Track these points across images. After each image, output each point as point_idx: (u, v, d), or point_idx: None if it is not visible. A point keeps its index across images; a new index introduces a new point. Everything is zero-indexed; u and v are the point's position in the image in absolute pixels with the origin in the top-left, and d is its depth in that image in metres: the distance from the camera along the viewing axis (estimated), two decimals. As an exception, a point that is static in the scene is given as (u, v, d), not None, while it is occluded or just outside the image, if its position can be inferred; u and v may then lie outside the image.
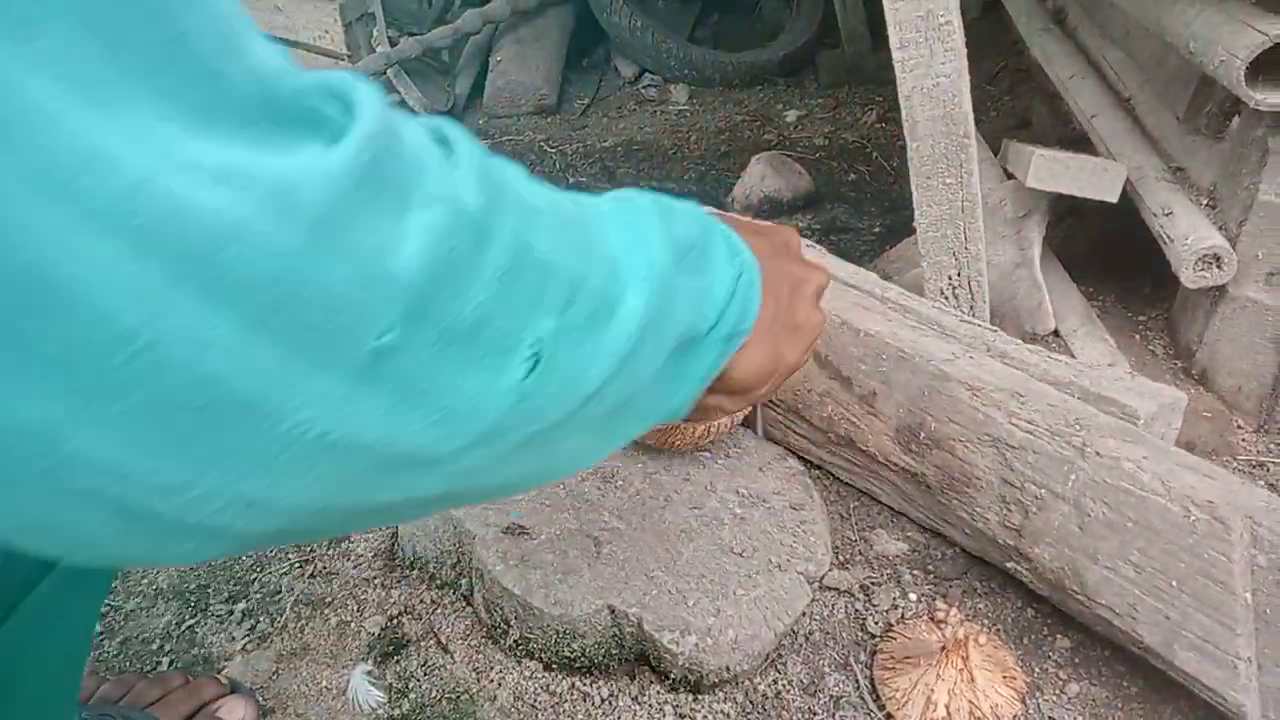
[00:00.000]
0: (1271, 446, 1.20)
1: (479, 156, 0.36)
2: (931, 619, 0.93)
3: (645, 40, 2.74)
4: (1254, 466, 1.17)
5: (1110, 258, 1.56)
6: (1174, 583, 0.83)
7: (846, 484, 1.16)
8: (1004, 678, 0.89)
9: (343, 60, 2.68)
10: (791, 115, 2.59)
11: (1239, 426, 1.23)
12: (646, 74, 2.88)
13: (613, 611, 0.93)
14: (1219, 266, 1.16)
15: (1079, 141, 1.75)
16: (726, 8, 3.25)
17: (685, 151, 2.42)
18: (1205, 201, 1.24)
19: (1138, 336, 1.38)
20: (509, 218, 0.35)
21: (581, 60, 2.96)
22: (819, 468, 1.18)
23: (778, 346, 0.60)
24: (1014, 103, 2.48)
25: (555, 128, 2.60)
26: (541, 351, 0.36)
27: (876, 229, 1.98)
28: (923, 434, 1.01)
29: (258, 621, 1.06)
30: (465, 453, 0.35)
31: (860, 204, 2.09)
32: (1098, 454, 0.88)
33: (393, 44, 2.70)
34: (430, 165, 0.32)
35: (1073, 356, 1.31)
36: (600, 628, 0.93)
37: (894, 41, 1.08)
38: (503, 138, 2.53)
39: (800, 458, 1.17)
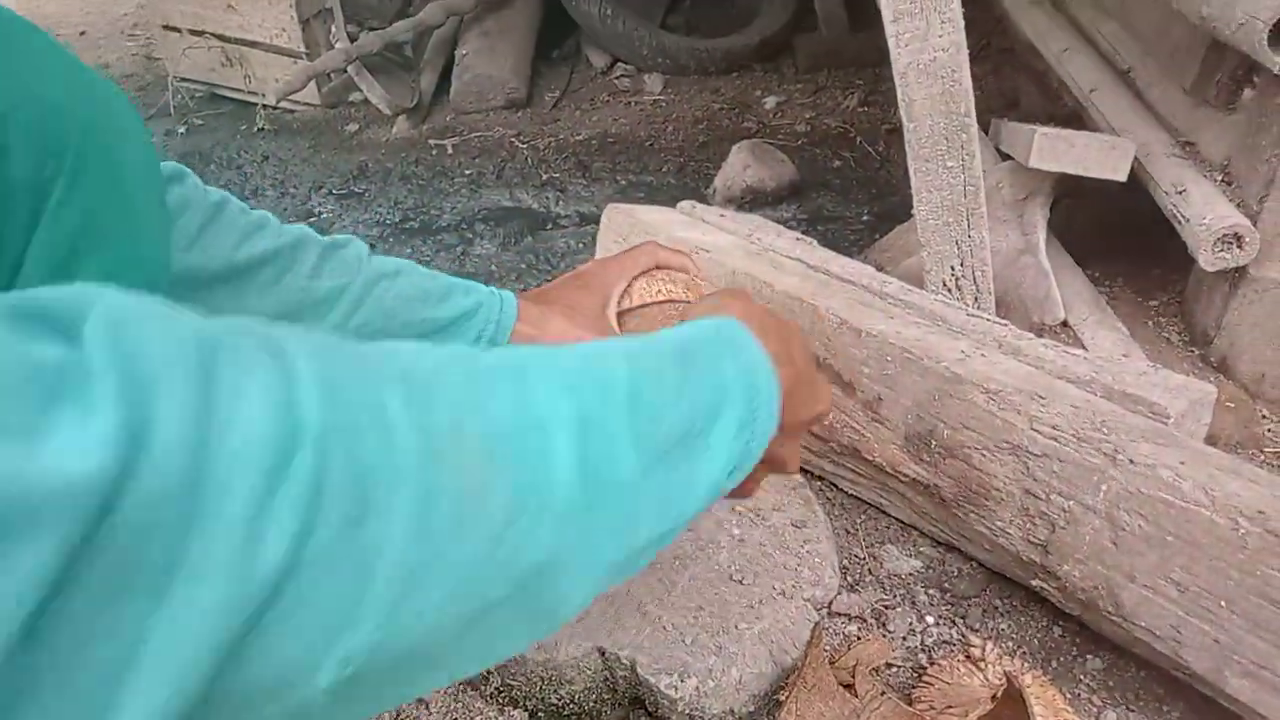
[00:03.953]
0: (1300, 437, 1.12)
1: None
2: (968, 658, 0.84)
3: (617, 29, 2.64)
4: (1283, 459, 1.10)
5: (1114, 239, 1.49)
6: (1223, 603, 0.74)
7: (852, 496, 1.07)
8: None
9: (302, 58, 2.57)
10: (771, 102, 2.50)
11: (1264, 416, 1.15)
12: (619, 64, 2.78)
13: (603, 654, 0.84)
14: (1240, 246, 1.08)
15: (1070, 119, 1.67)
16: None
17: (662, 143, 2.33)
18: (1220, 177, 1.16)
19: (1150, 323, 1.31)
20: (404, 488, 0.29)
21: (551, 51, 2.86)
22: (821, 479, 1.10)
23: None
24: (999, 81, 2.40)
25: (526, 122, 2.50)
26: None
27: (865, 217, 1.89)
28: (934, 442, 0.93)
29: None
30: None
31: (846, 191, 2.01)
32: (1131, 461, 0.80)
33: (352, 40, 2.59)
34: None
35: (1083, 348, 1.23)
36: (590, 672, 0.84)
37: (887, 14, 0.99)
38: (472, 134, 2.42)
39: (801, 469, 1.08)
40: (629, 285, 0.92)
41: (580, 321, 0.86)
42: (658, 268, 0.95)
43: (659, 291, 0.92)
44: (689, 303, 0.91)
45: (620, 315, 0.92)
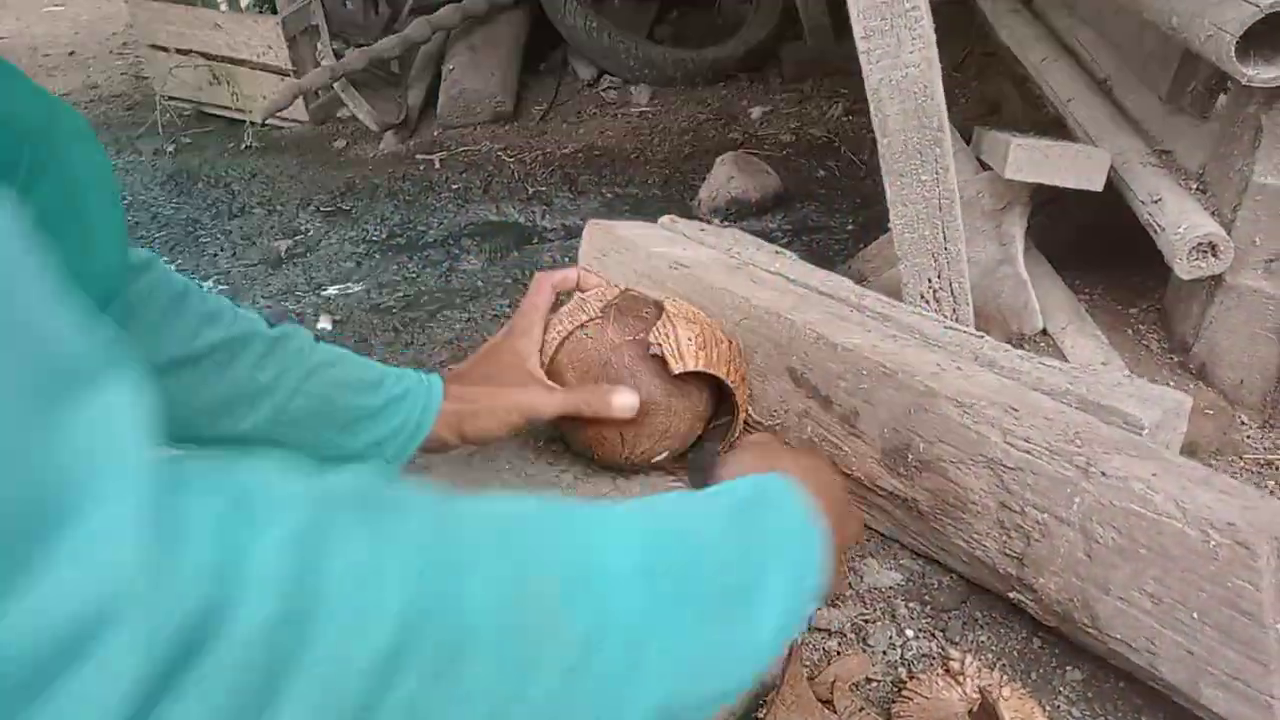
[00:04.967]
0: (1279, 443, 1.13)
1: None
2: (946, 671, 0.85)
3: (603, 41, 2.65)
4: (1262, 465, 1.10)
5: (1094, 247, 1.49)
6: (1195, 615, 0.75)
7: (831, 509, 1.07)
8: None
9: (288, 75, 2.58)
10: (756, 112, 2.51)
11: (1243, 423, 1.15)
12: (606, 76, 2.79)
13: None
14: (1215, 255, 1.08)
15: (1052, 126, 1.68)
16: (685, 4, 3.17)
17: (649, 155, 2.33)
18: (1195, 186, 1.17)
19: (1130, 331, 1.31)
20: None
21: (538, 64, 2.87)
22: (801, 493, 1.10)
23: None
24: (982, 88, 2.42)
25: (513, 136, 2.50)
26: None
27: (850, 227, 1.90)
28: (911, 456, 0.93)
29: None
30: None
31: (831, 201, 2.02)
32: (1103, 474, 0.80)
33: (338, 56, 2.60)
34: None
35: (1063, 356, 1.23)
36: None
37: (858, 31, 1.00)
38: (459, 149, 2.43)
39: (780, 483, 1.08)
40: (543, 340, 1.02)
41: (511, 381, 0.96)
42: (556, 298, 1.06)
43: (561, 330, 1.02)
44: (591, 320, 1.01)
45: (547, 370, 1.01)
